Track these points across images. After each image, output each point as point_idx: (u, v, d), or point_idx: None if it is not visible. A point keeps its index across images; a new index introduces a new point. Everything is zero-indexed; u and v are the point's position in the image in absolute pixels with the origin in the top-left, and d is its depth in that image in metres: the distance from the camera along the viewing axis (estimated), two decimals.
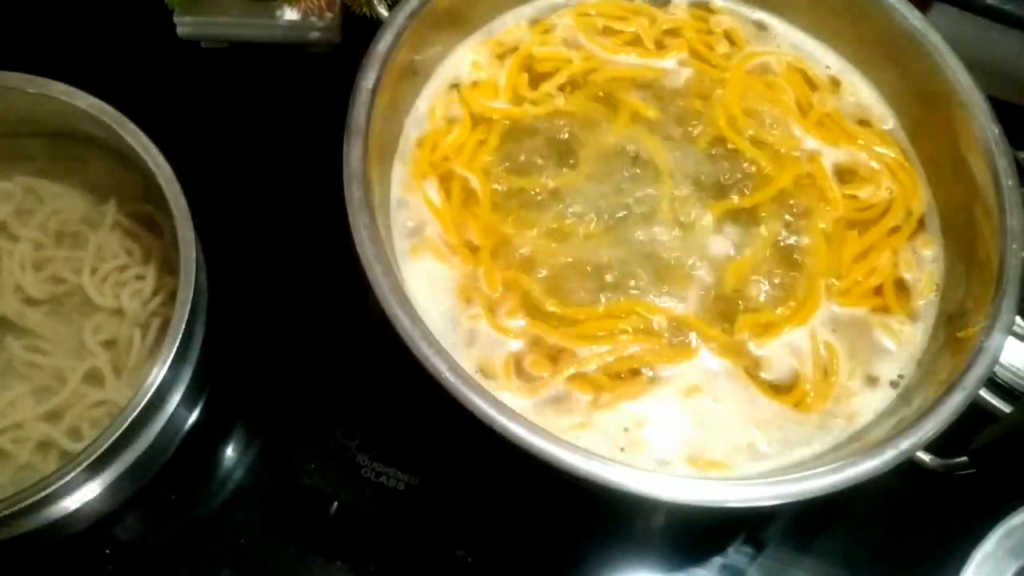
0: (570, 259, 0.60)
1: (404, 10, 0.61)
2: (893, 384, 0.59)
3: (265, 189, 0.75)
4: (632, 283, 0.59)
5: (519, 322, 0.58)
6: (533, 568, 0.64)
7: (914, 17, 0.65)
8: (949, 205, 0.64)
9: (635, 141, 0.64)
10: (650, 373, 0.57)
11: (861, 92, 0.69)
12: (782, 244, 0.62)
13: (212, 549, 0.62)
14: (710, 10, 0.72)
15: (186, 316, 0.56)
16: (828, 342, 0.60)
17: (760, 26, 0.71)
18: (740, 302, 0.60)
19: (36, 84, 0.61)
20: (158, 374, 0.55)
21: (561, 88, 0.66)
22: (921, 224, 0.65)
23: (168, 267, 0.63)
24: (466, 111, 0.65)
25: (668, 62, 0.68)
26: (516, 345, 0.57)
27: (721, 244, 0.62)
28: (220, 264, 0.64)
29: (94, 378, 0.61)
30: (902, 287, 0.62)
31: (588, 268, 0.60)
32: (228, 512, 0.64)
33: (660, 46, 0.69)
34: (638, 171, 0.63)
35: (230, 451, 0.66)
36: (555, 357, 0.57)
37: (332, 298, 0.69)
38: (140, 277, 0.63)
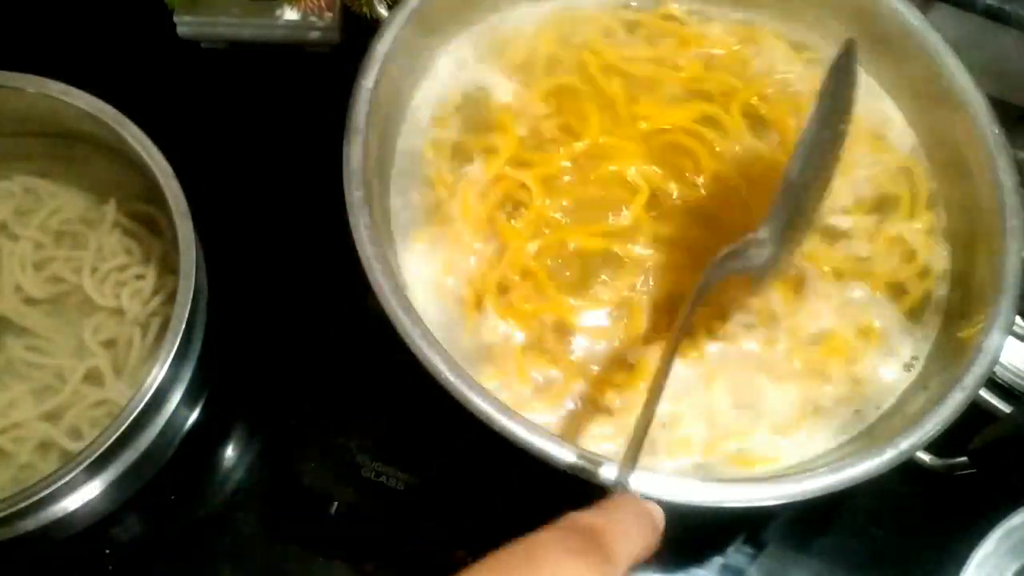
0: (575, 249, 0.60)
1: (404, 10, 0.61)
2: (906, 366, 0.59)
3: (265, 189, 0.75)
4: (631, 277, 0.60)
5: (521, 319, 0.58)
6: None
7: (914, 17, 0.65)
8: (949, 205, 0.64)
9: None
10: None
11: (860, 91, 0.69)
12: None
13: (212, 549, 0.62)
14: (708, 13, 0.71)
15: (186, 316, 0.56)
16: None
17: (758, 26, 0.71)
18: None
19: (36, 84, 0.61)
20: (158, 374, 0.55)
21: (561, 86, 0.66)
22: (920, 223, 0.65)
23: (168, 267, 0.63)
24: (465, 110, 0.65)
25: (668, 63, 0.68)
26: (514, 344, 0.57)
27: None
28: (220, 264, 0.64)
29: (94, 378, 0.61)
30: (901, 286, 0.62)
31: (592, 258, 0.60)
32: (228, 512, 0.64)
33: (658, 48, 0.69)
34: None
35: (230, 451, 0.66)
36: (555, 356, 0.57)
37: (332, 298, 0.69)
38: (140, 277, 0.63)
